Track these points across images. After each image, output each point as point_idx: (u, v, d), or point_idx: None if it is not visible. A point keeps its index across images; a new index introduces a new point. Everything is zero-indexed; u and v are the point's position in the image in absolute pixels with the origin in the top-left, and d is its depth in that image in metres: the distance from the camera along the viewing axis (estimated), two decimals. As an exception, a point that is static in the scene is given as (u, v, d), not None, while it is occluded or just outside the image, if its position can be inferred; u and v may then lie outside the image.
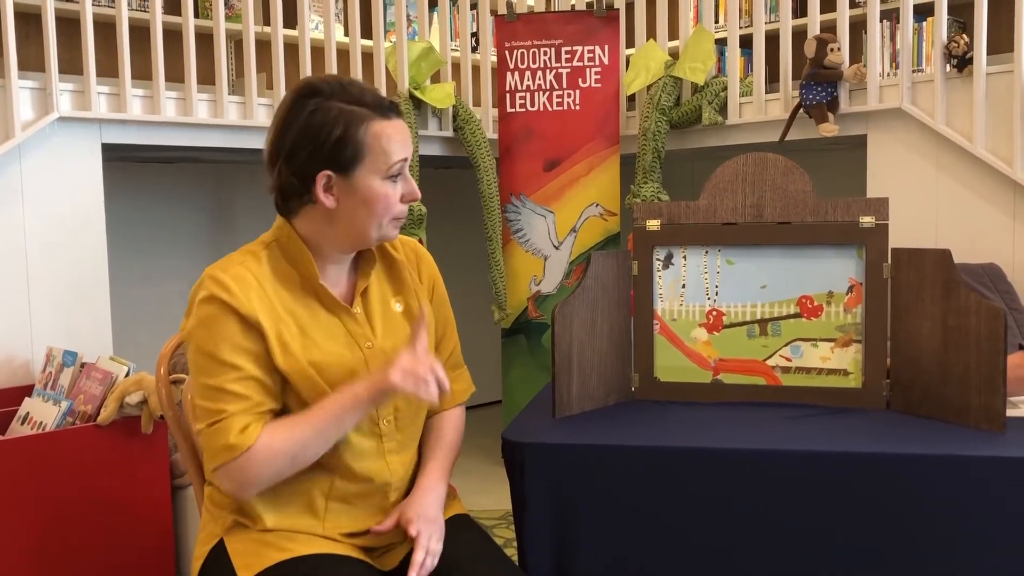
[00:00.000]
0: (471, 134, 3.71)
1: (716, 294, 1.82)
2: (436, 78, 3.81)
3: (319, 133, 1.35)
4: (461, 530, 1.53)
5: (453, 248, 4.60)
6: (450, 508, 1.58)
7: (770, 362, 1.80)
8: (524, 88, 3.78)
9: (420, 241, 3.51)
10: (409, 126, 3.50)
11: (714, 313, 1.82)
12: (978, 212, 2.97)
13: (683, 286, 1.83)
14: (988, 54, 2.95)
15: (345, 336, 1.44)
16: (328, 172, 1.36)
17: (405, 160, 1.40)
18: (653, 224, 1.83)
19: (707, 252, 1.82)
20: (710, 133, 3.61)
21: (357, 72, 3.45)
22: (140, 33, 3.49)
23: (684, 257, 1.83)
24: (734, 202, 1.79)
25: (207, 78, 3.61)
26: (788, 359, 1.79)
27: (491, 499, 3.44)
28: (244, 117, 3.17)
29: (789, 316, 1.79)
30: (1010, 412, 1.59)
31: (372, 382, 1.36)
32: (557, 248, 3.80)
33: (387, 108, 1.39)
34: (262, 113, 3.21)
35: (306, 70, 3.33)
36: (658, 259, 1.84)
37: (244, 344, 1.34)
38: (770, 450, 1.47)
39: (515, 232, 3.84)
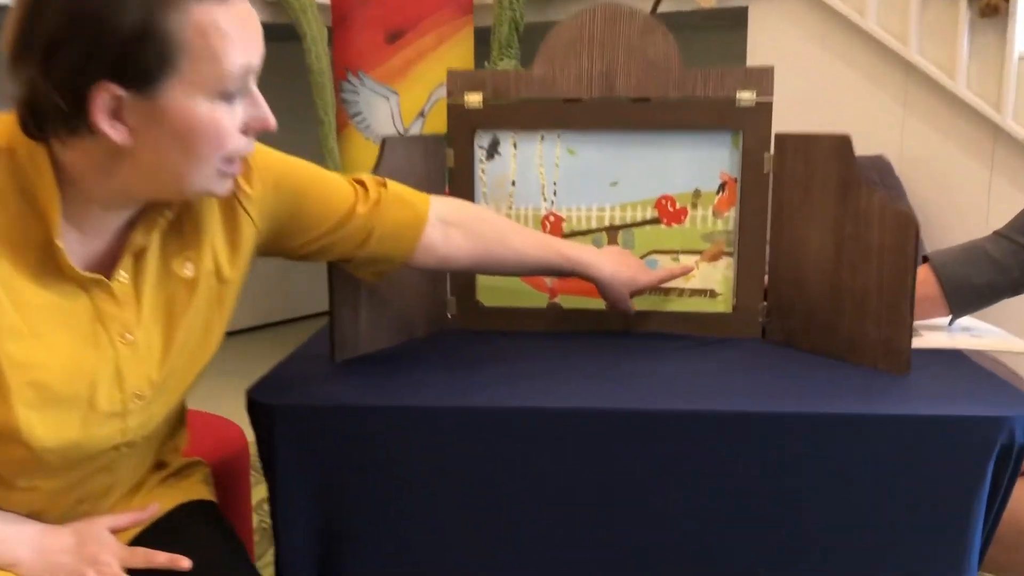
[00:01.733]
0: (295, -4, 3.12)
1: (554, 194, 1.40)
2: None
3: (99, 21, 0.80)
4: (193, 524, 1.11)
5: (278, 134, 3.97)
6: (186, 490, 1.15)
7: (621, 281, 1.40)
8: (360, -57, 3.20)
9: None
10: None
11: (552, 219, 1.41)
12: (867, 99, 2.64)
13: (513, 183, 1.40)
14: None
15: (89, 323, 0.93)
16: (115, 87, 0.82)
17: (248, 69, 0.89)
18: (473, 99, 1.38)
19: (543, 138, 1.38)
20: (574, 1, 3.14)
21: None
22: None
23: (514, 145, 1.39)
24: (578, 70, 1.35)
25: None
26: (643, 277, 1.40)
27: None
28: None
29: (645, 222, 1.39)
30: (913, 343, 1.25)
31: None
32: (402, 135, 3.30)
33: None
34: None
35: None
36: (480, 147, 1.40)
37: None
38: (597, 409, 1.09)
39: (352, 116, 3.31)
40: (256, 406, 1.12)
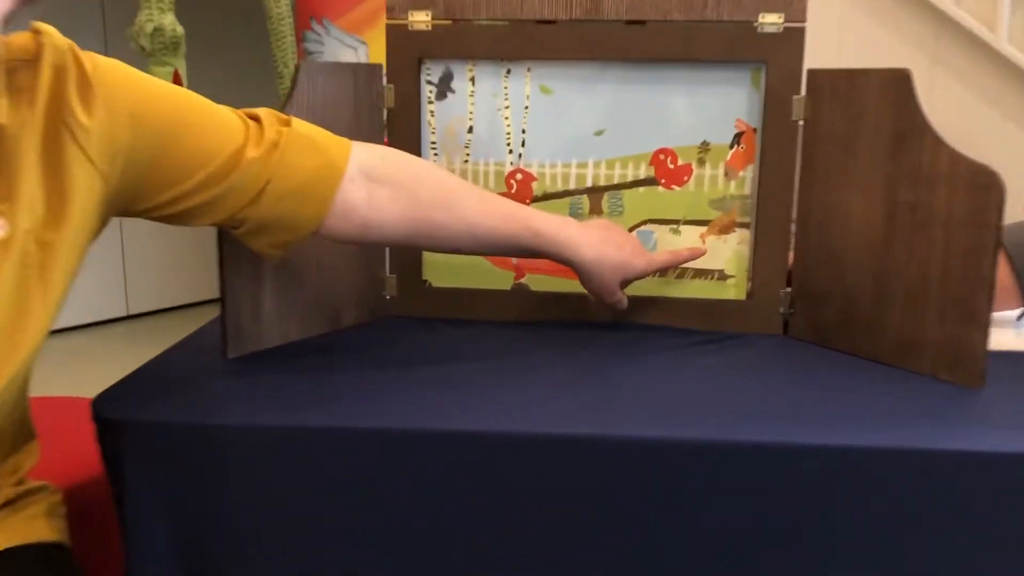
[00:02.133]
0: (250, -69, 2.78)
1: (522, 145, 1.09)
2: None
3: None
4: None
5: (228, 88, 3.58)
6: (18, 529, 0.85)
7: (606, 257, 1.10)
8: None
9: (176, 73, 2.63)
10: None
11: (519, 176, 1.10)
12: (891, 54, 2.34)
13: (470, 130, 1.10)
14: None
15: None
16: None
17: None
18: (419, 18, 1.06)
19: (509, 72, 1.08)
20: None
21: None
22: None
23: (472, 80, 1.09)
24: (553, -16, 1.04)
25: None
26: (634, 253, 1.10)
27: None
28: None
29: (637, 183, 1.09)
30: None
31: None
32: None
33: None
34: None
35: None
36: (429, 82, 1.09)
37: None
38: (564, 435, 0.79)
39: (316, 69, 2.98)
40: (103, 422, 0.82)
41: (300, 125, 0.88)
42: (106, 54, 0.80)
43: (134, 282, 3.79)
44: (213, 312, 1.01)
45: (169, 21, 2.57)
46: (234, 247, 0.93)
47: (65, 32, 0.77)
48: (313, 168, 0.87)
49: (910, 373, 0.93)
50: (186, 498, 0.80)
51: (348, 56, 2.96)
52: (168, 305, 3.92)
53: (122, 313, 3.79)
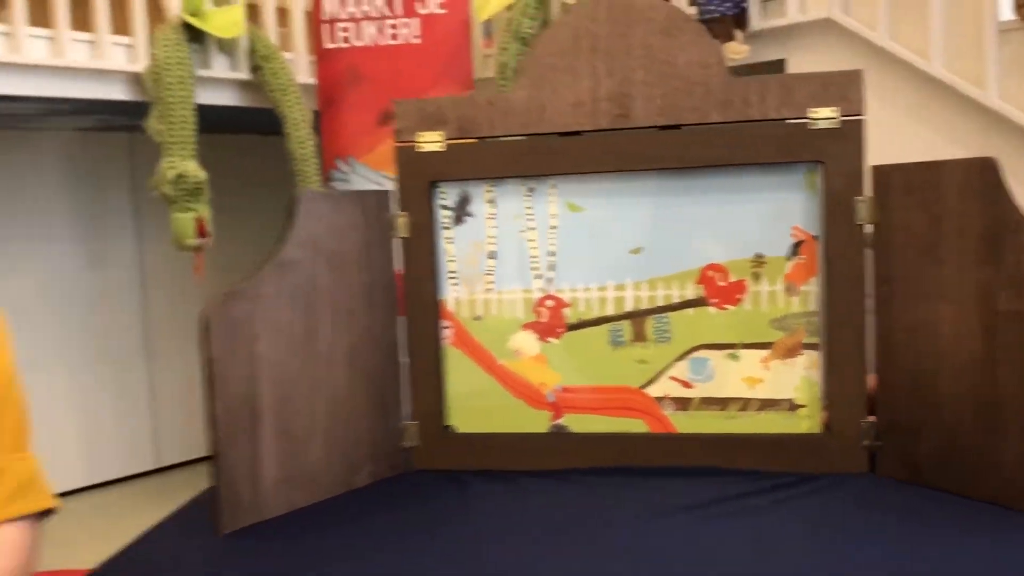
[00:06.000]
0: (273, 75, 2.81)
1: (551, 269, 0.97)
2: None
3: None
4: None
5: (251, 233, 3.51)
6: None
7: (653, 391, 0.96)
8: (347, 16, 2.93)
9: (200, 221, 2.58)
10: (182, 64, 2.56)
11: (549, 303, 0.98)
12: (941, 154, 2.22)
13: (491, 256, 0.98)
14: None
15: None
16: None
17: None
18: (430, 139, 0.97)
19: (532, 190, 0.97)
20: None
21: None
22: None
23: (491, 201, 0.98)
24: (576, 91, 0.94)
25: None
26: (687, 384, 0.96)
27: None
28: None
29: (685, 304, 0.95)
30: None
31: None
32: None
33: None
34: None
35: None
36: (445, 206, 0.99)
37: None
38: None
39: (342, 206, 2.94)
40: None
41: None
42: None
43: (165, 433, 3.69)
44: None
45: (192, 167, 2.55)
46: (228, 404, 0.80)
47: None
48: None
49: (1037, 517, 0.77)
50: None
51: (374, 192, 2.92)
52: (200, 455, 3.80)
53: (153, 466, 3.67)
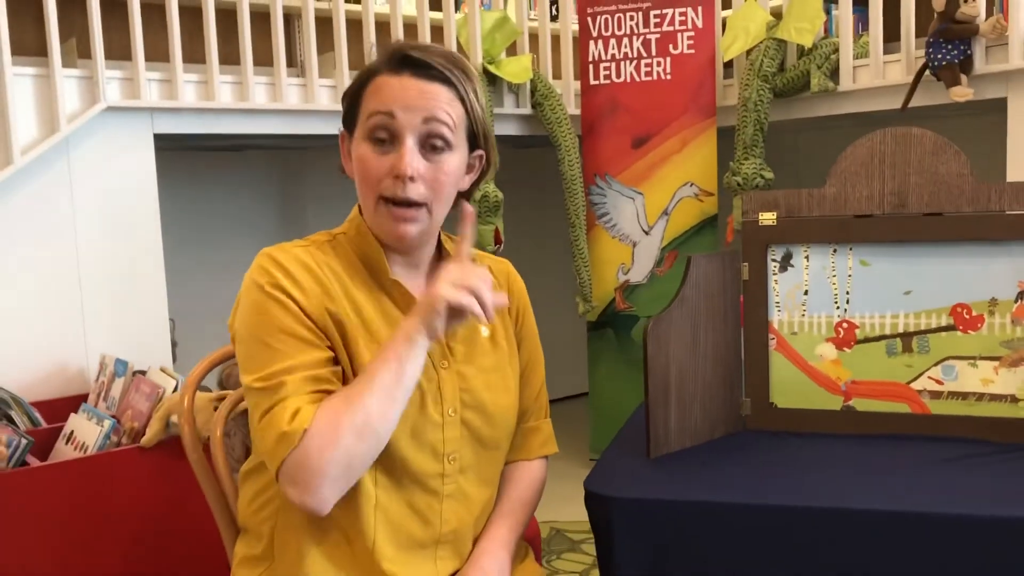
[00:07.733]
0: (551, 110, 3.41)
1: (847, 302, 1.49)
2: (512, 51, 3.52)
3: (346, 92, 1.21)
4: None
5: (534, 235, 4.28)
6: (522, 571, 1.31)
7: (915, 385, 1.46)
8: (609, 58, 3.46)
9: (496, 231, 3.24)
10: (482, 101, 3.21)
11: (845, 325, 1.49)
12: None
13: (805, 293, 1.51)
14: None
15: None
16: (344, 130, 1.21)
17: (389, 115, 1.12)
18: (767, 218, 1.50)
19: (835, 251, 1.48)
20: (819, 101, 3.22)
21: (426, 47, 3.17)
22: (191, 13, 3.25)
23: (806, 257, 1.50)
24: (869, 189, 1.45)
25: (264, 59, 3.36)
26: (939, 382, 1.45)
27: (580, 509, 3.16)
28: (305, 101, 2.94)
29: (940, 329, 1.44)
30: None
31: (418, 306, 1.10)
32: (647, 233, 3.47)
33: (398, 62, 1.13)
34: (324, 96, 2.97)
35: (370, 48, 3.08)
36: (774, 260, 1.52)
37: (299, 331, 1.11)
38: (913, 513, 1.15)
39: (600, 216, 3.53)
40: (593, 497, 1.28)
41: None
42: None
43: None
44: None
45: (492, 188, 3.20)
46: (660, 388, 1.37)
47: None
48: None
49: None
50: (659, 556, 1.23)
51: (627, 204, 3.48)
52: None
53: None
